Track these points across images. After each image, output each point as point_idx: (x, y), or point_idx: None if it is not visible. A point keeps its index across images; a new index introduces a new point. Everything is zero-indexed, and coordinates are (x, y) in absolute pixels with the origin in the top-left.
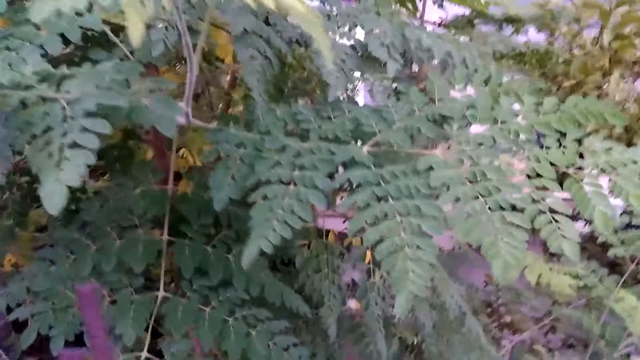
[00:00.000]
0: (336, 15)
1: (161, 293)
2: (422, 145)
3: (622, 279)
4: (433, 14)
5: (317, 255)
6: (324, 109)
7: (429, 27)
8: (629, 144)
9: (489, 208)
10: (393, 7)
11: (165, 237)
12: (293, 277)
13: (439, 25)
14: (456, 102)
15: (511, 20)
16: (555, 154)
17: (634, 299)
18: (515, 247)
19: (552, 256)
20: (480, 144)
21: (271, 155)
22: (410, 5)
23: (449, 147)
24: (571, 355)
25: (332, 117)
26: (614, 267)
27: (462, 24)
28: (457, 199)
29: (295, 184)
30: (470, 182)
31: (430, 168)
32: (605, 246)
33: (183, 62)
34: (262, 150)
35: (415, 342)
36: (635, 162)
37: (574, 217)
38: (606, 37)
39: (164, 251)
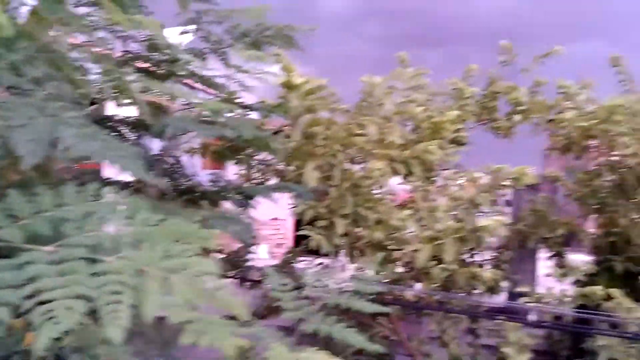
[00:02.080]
0: None
1: None
2: None
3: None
4: None
5: None
6: None
7: None
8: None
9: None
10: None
11: None
12: None
13: None
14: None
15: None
16: (143, 257)
17: (284, 348)
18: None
19: None
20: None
21: None
22: None
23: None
24: None
25: None
26: None
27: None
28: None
29: None
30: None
31: (29, 262)
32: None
33: None
34: None
35: None
36: (184, 269)
37: None
38: (295, 136)
39: None
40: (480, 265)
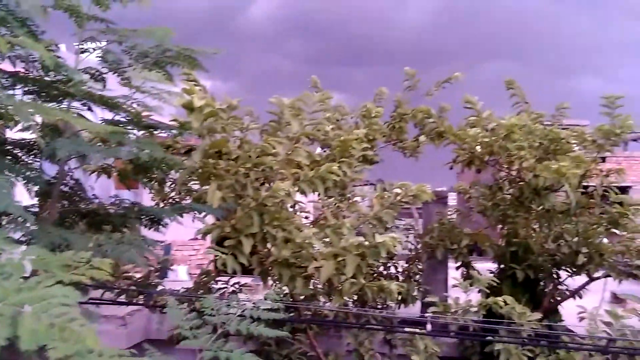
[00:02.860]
0: None
1: None
2: None
3: None
4: None
5: None
6: None
7: None
8: None
9: None
10: None
11: None
12: None
13: None
14: None
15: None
16: None
17: None
18: None
19: None
20: None
21: None
22: None
23: None
24: None
25: None
26: None
27: None
28: None
29: None
30: None
31: None
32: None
33: None
34: None
35: None
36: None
37: None
38: (195, 157)
39: None
40: (397, 277)
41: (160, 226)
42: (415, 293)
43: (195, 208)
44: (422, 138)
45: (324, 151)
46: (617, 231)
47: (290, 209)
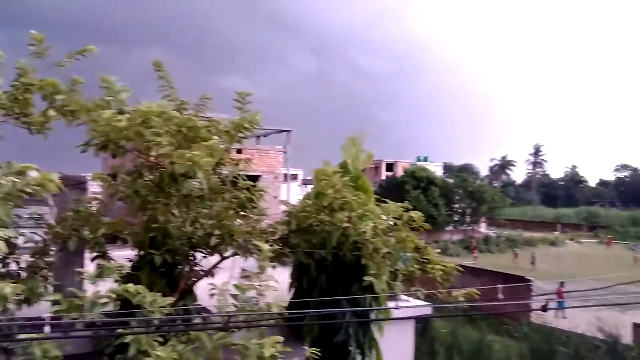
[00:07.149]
0: None
1: None
2: None
3: None
4: None
5: None
6: None
7: None
8: None
9: None
10: None
11: None
12: None
13: None
14: None
15: None
16: None
17: None
18: None
19: None
20: None
21: None
22: None
23: None
24: None
25: None
26: None
27: None
28: None
29: None
30: None
31: None
32: None
33: None
34: None
35: None
36: None
37: None
38: None
39: None
40: (18, 275)
41: None
42: (42, 290)
43: None
44: (51, 112)
45: None
46: (246, 214)
47: None
